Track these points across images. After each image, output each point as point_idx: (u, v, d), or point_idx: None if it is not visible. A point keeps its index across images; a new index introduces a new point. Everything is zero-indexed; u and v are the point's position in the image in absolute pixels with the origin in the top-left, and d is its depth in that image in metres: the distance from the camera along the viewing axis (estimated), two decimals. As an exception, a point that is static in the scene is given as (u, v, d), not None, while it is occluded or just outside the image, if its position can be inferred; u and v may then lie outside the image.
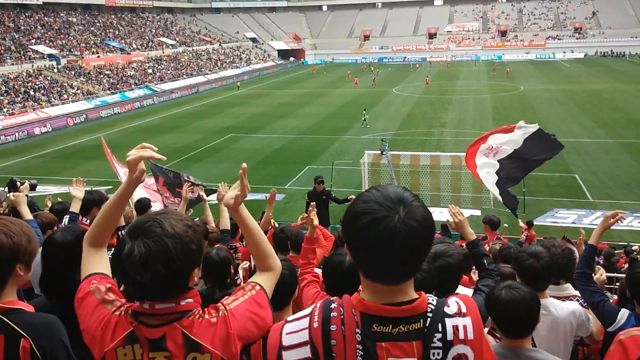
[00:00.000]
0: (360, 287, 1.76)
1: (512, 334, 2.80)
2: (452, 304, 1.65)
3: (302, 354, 1.64)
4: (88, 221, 5.66)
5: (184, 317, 1.92)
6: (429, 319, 1.61)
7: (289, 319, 1.76)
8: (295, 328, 1.68)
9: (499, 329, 2.84)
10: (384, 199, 1.58)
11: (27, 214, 4.62)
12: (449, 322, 1.61)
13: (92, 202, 5.67)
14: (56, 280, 3.37)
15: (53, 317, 2.26)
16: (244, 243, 6.16)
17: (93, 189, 6.12)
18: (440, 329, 1.60)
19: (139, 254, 1.79)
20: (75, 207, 4.93)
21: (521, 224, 12.53)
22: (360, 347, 1.60)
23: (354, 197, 9.04)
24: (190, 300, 1.96)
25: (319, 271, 4.69)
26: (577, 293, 3.93)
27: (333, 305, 1.68)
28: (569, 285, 3.92)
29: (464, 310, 1.64)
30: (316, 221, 3.93)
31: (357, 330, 1.62)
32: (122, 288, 2.05)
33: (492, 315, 2.83)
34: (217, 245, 4.32)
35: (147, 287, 1.83)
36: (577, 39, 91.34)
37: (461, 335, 1.60)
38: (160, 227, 1.83)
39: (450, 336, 1.59)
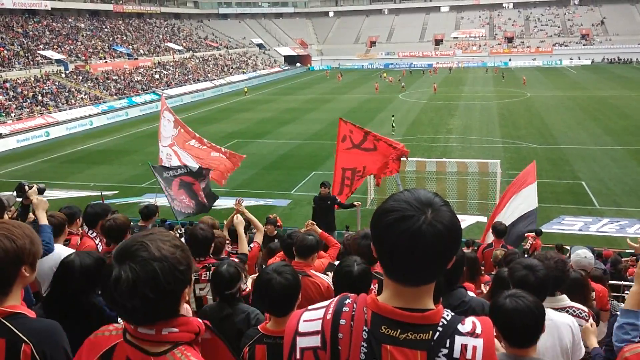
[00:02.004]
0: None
1: (517, 343, 2.79)
2: (468, 323, 1.64)
3: (313, 342, 1.69)
4: (95, 234, 5.67)
5: (165, 354, 1.84)
6: (438, 332, 1.61)
7: (309, 307, 1.80)
8: (312, 317, 1.73)
9: (504, 338, 2.83)
10: (414, 200, 1.60)
11: (43, 219, 4.59)
12: (458, 340, 1.59)
13: (97, 216, 5.69)
14: (68, 301, 3.39)
15: (54, 322, 2.28)
16: (250, 246, 6.32)
17: (95, 202, 6.13)
18: (447, 345, 1.59)
19: (126, 280, 1.75)
20: (43, 219, 4.63)
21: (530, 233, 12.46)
22: (365, 345, 1.62)
23: (359, 203, 9.10)
24: (175, 330, 1.87)
25: (326, 277, 4.70)
26: (573, 304, 3.91)
27: (347, 301, 1.73)
28: (564, 296, 3.91)
29: (478, 331, 1.62)
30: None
31: (364, 328, 1.64)
32: None
33: (496, 324, 2.80)
34: (227, 260, 4.33)
35: (137, 312, 1.79)
36: (584, 45, 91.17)
37: (468, 355, 1.57)
38: (147, 251, 1.79)
39: (456, 354, 1.58)
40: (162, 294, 1.77)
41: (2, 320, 2.14)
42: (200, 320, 2.01)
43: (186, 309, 4.24)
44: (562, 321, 3.38)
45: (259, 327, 3.14)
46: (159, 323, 1.84)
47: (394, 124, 35.47)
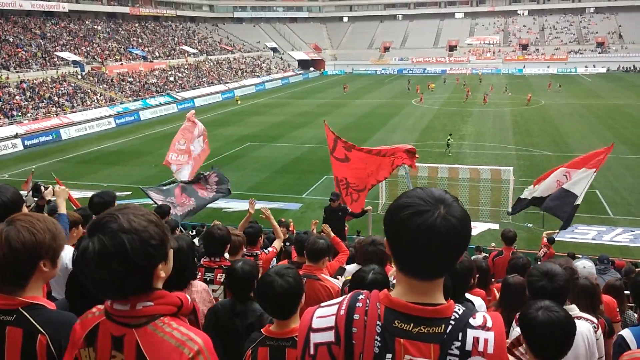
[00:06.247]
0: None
1: (545, 357, 2.73)
2: (479, 317, 1.69)
3: (327, 338, 1.73)
4: None
5: (145, 325, 1.83)
6: (450, 326, 1.65)
7: (322, 304, 1.85)
8: (325, 313, 1.78)
9: (532, 350, 2.77)
10: (427, 196, 1.68)
11: (62, 208, 4.74)
12: (470, 333, 1.64)
13: (105, 204, 5.71)
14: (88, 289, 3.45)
15: (72, 315, 2.28)
16: (266, 250, 6.42)
17: (102, 191, 6.17)
18: (460, 338, 1.63)
19: (92, 250, 1.73)
20: (62, 207, 4.84)
21: (545, 240, 12.43)
22: (379, 339, 1.67)
23: (371, 208, 9.21)
24: (150, 304, 1.84)
25: (336, 281, 4.72)
26: (582, 314, 3.84)
27: (360, 297, 1.77)
28: (573, 306, 3.85)
29: (489, 324, 1.67)
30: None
31: (378, 322, 1.69)
32: None
33: (526, 337, 2.78)
34: (245, 259, 4.34)
35: (105, 285, 1.77)
36: (599, 53, 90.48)
37: (480, 348, 1.62)
38: (116, 223, 1.76)
39: (469, 346, 1.62)
40: (131, 267, 1.75)
41: (20, 310, 2.16)
42: (188, 297, 1.97)
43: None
44: (579, 331, 3.33)
45: (262, 329, 3.16)
46: (132, 298, 1.83)
47: (449, 143, 31.69)
